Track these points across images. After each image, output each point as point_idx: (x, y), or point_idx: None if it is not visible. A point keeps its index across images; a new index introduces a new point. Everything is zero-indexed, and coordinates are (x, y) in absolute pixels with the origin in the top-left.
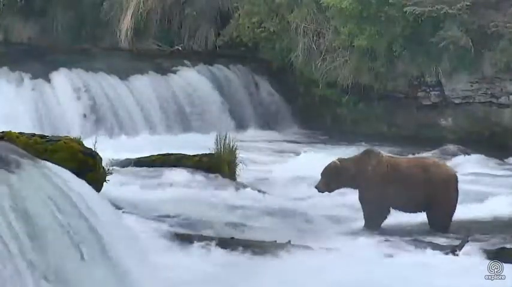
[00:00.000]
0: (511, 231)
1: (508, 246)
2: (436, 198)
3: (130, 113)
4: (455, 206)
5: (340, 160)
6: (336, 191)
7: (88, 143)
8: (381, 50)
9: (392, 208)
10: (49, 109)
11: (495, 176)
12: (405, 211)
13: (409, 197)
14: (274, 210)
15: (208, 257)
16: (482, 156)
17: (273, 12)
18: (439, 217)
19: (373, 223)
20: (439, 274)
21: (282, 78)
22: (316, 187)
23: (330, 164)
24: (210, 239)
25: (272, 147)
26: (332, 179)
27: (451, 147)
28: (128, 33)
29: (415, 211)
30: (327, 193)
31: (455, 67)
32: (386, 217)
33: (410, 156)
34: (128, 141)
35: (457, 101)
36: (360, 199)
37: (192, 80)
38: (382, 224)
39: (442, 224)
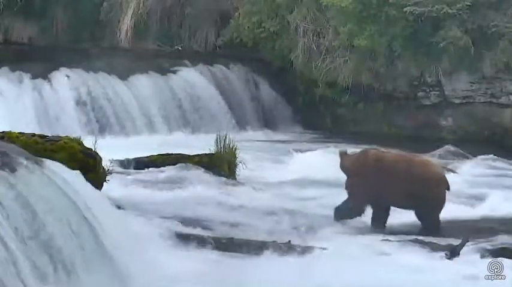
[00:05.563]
0: (511, 231)
1: (508, 246)
2: (420, 196)
3: (130, 113)
4: (440, 206)
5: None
6: (335, 191)
7: (88, 143)
8: (380, 49)
9: (380, 202)
10: (49, 109)
11: (495, 176)
12: (393, 205)
13: (394, 193)
14: (274, 210)
15: (208, 257)
16: (482, 156)
17: (273, 12)
18: (424, 215)
19: (347, 213)
20: (439, 274)
21: (282, 78)
22: None
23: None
24: (209, 239)
25: (272, 147)
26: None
27: (451, 147)
28: (128, 33)
29: (402, 207)
30: (327, 192)
31: (455, 67)
32: (364, 211)
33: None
34: (128, 141)
35: (457, 101)
36: (345, 188)
37: (192, 80)
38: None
39: (429, 223)
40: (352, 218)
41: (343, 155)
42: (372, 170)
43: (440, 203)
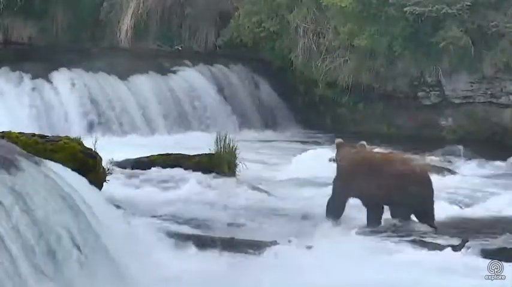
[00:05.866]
0: (511, 231)
1: (508, 246)
2: (409, 194)
3: (130, 113)
4: (430, 203)
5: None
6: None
7: (88, 143)
8: (381, 49)
9: (371, 201)
10: (49, 109)
11: (495, 176)
12: (384, 204)
13: (383, 191)
14: (275, 210)
15: (208, 257)
16: (482, 156)
17: (273, 12)
18: (419, 213)
19: (332, 210)
20: (439, 274)
21: (282, 78)
22: None
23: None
24: (210, 239)
25: (272, 147)
26: None
27: (451, 147)
28: (128, 33)
29: (391, 205)
30: (327, 192)
31: (455, 67)
32: (344, 208)
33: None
34: (127, 141)
35: (457, 101)
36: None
37: (192, 80)
38: (383, 224)
39: (425, 221)
40: (338, 215)
41: (339, 145)
42: (361, 169)
43: (429, 200)
